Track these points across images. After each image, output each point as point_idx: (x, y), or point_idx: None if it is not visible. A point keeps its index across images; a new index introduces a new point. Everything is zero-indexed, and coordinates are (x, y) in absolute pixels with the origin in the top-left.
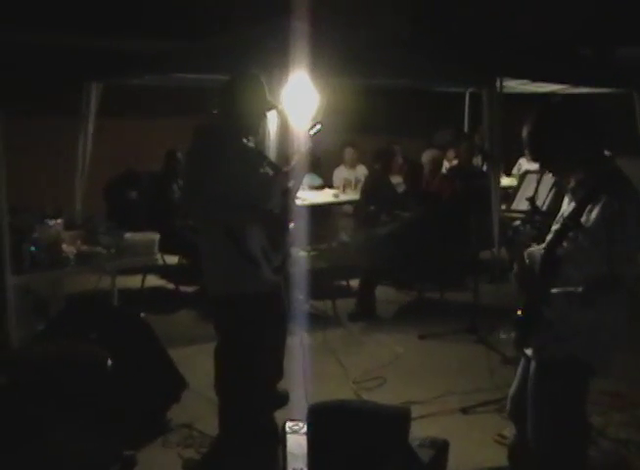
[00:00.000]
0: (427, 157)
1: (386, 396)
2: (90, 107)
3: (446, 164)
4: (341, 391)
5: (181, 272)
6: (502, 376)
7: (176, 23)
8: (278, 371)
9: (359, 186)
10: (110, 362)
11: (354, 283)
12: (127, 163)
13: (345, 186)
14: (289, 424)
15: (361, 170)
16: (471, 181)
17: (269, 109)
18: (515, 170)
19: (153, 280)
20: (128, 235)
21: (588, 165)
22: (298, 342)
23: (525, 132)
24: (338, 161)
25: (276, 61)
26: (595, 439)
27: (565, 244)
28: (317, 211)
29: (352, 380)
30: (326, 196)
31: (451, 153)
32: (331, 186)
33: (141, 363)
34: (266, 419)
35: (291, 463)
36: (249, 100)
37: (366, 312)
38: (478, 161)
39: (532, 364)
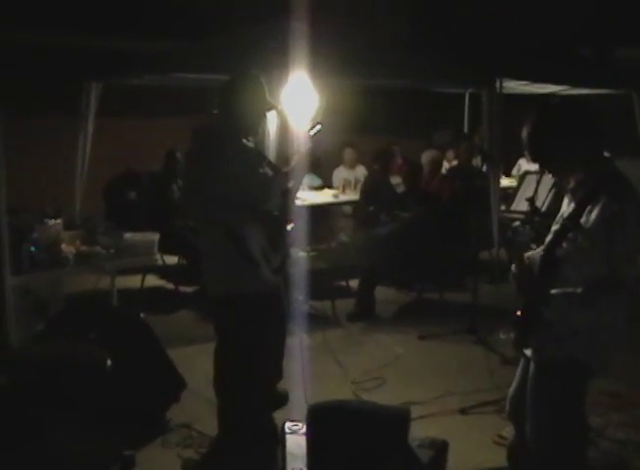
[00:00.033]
0: (426, 157)
1: (385, 396)
2: (90, 107)
3: (446, 165)
4: (340, 391)
5: (181, 272)
6: (502, 376)
7: (176, 23)
8: (277, 371)
9: (359, 186)
10: (109, 362)
11: (354, 283)
12: (127, 163)
13: (345, 186)
14: (288, 424)
15: (361, 171)
16: (470, 182)
17: (269, 109)
18: (514, 171)
19: (152, 280)
20: (128, 235)
21: (588, 166)
22: (298, 342)
23: (524, 133)
24: (337, 161)
25: (276, 61)
26: (594, 439)
27: (564, 244)
28: (317, 212)
29: (352, 380)
30: (325, 196)
31: (451, 153)
32: (330, 186)
33: (140, 363)
34: (266, 419)
35: (290, 463)
36: (248, 100)
37: (365, 313)
38: (477, 161)
39: (532, 365)
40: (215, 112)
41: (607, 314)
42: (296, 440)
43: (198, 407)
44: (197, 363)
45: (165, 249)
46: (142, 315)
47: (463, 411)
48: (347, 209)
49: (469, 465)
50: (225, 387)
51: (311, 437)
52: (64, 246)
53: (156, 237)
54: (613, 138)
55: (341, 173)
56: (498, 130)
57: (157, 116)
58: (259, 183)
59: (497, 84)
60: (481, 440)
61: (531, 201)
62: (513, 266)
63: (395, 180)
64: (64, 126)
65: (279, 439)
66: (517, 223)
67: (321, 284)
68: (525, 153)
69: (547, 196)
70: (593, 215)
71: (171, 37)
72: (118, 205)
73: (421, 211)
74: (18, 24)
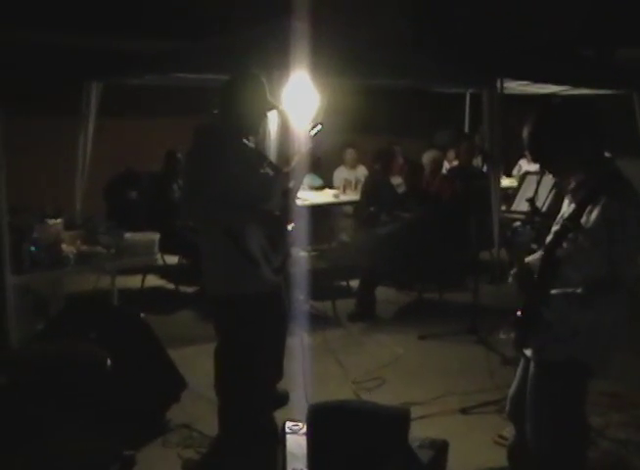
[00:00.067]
0: (427, 157)
1: (385, 396)
2: (90, 106)
3: (446, 165)
4: (340, 391)
5: (181, 272)
6: (502, 377)
7: (176, 23)
8: (278, 371)
9: (359, 187)
10: (109, 362)
11: (354, 283)
12: (127, 162)
13: (346, 187)
14: (289, 424)
15: (361, 171)
16: (471, 182)
17: (270, 109)
18: (515, 171)
19: (153, 280)
20: (128, 235)
21: (588, 167)
22: (298, 342)
23: (525, 133)
24: (338, 161)
25: (276, 61)
26: (594, 439)
27: (565, 245)
28: (317, 212)
29: (352, 380)
30: (326, 196)
31: (451, 153)
32: (331, 186)
33: (141, 363)
34: (266, 419)
35: (290, 463)
36: (249, 100)
37: (366, 313)
38: (478, 161)
39: (532, 365)
40: (216, 112)
41: (607, 315)
42: (296, 439)
43: (198, 407)
44: (197, 363)
45: (166, 248)
46: (142, 315)
47: (463, 411)
48: (348, 209)
49: (469, 465)
50: (226, 387)
51: (312, 437)
52: (64, 245)
53: (156, 237)
54: (613, 138)
55: (341, 173)
56: (499, 130)
57: (157, 115)
58: (260, 183)
59: (498, 84)
60: (482, 440)
61: (532, 201)
62: (514, 267)
63: (396, 180)
64: (64, 126)
65: (279, 439)
66: (517, 223)
67: (322, 284)
68: (526, 153)
69: (548, 196)
70: (593, 216)
71: (171, 37)
72: (119, 204)
73: (421, 212)
74: (18, 24)
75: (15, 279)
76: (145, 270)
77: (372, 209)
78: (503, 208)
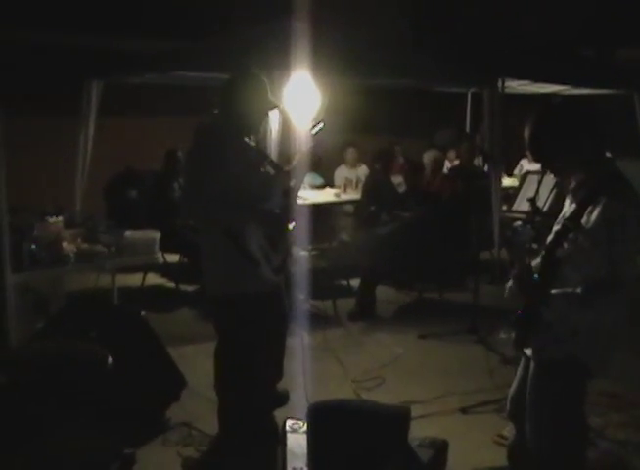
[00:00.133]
0: (428, 157)
1: (385, 395)
2: (91, 105)
3: (447, 165)
4: (341, 390)
5: (182, 271)
6: (502, 376)
7: (176, 23)
8: (278, 371)
9: (360, 186)
10: (109, 361)
11: (355, 283)
12: (127, 162)
13: (347, 186)
14: (289, 423)
15: (362, 170)
16: (472, 182)
17: (270, 108)
18: (516, 171)
19: (153, 278)
20: (128, 233)
21: (589, 167)
22: (298, 341)
23: (526, 133)
24: (339, 160)
25: (277, 61)
26: (594, 439)
27: (565, 245)
28: (318, 211)
29: (352, 379)
30: (327, 195)
31: (452, 153)
32: (332, 186)
33: (141, 362)
34: (266, 418)
35: (290, 462)
36: (250, 99)
37: (366, 312)
38: (479, 161)
39: (532, 365)
40: (216, 111)
41: (606, 315)
42: (296, 438)
43: (198, 406)
44: (197, 362)
45: (166, 247)
46: (142, 314)
47: (463, 411)
48: (349, 208)
49: (469, 465)
50: (226, 386)
51: (312, 436)
52: (65, 244)
53: (157, 235)
54: (614, 139)
55: (342, 173)
56: (500, 130)
57: (157, 115)
58: (260, 183)
59: (499, 84)
60: (482, 439)
61: (533, 201)
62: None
63: (397, 180)
64: (64, 126)
65: (279, 438)
66: (517, 223)
67: (322, 283)
68: (527, 153)
69: (549, 196)
70: (594, 216)
71: (171, 37)
72: (119, 204)
73: (422, 212)
74: (18, 24)
75: (15, 277)
76: (145, 269)
77: (372, 208)
78: (504, 207)
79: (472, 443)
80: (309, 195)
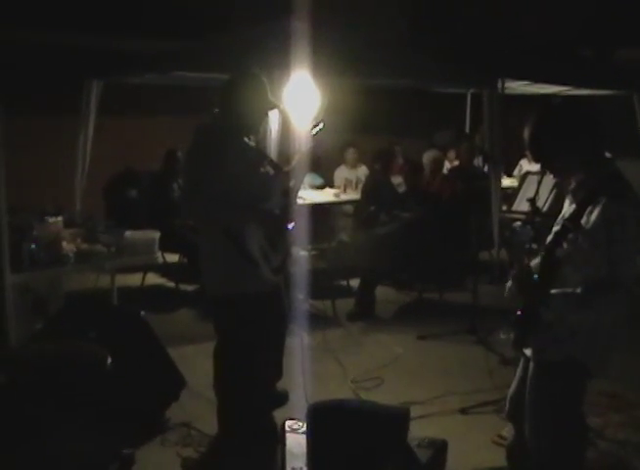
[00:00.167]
0: (427, 157)
1: (385, 396)
2: (90, 105)
3: (447, 165)
4: (340, 390)
5: (181, 271)
6: (501, 376)
7: (176, 23)
8: (277, 371)
9: (360, 186)
10: (109, 361)
11: (354, 283)
12: (127, 161)
13: (346, 186)
14: (288, 423)
15: (362, 170)
16: (471, 182)
17: (270, 108)
18: (516, 171)
19: (153, 278)
20: (128, 233)
21: (588, 167)
22: (298, 342)
23: (526, 133)
24: (339, 160)
25: (277, 61)
26: (593, 440)
27: (565, 245)
28: (318, 211)
29: (352, 380)
30: (327, 196)
31: (452, 153)
32: (332, 186)
33: (140, 362)
34: (265, 419)
35: (290, 462)
36: (249, 99)
37: (366, 312)
38: (478, 161)
39: (531, 365)
40: (216, 111)
41: (606, 315)
42: (296, 438)
43: (197, 406)
44: (197, 362)
45: (166, 247)
46: (142, 314)
47: (462, 411)
48: (348, 208)
49: (468, 465)
50: (225, 386)
51: (311, 436)
52: (64, 244)
53: (156, 235)
54: (614, 139)
55: (342, 173)
56: (499, 130)
57: (157, 114)
58: (260, 183)
59: (499, 84)
60: (481, 440)
61: (533, 201)
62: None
63: (396, 180)
64: (64, 126)
65: (279, 438)
66: (517, 223)
67: (321, 283)
68: (527, 153)
69: (548, 196)
70: (593, 216)
71: (171, 37)
72: (119, 203)
73: (421, 212)
74: (18, 24)
75: (14, 278)
76: (145, 269)
77: (372, 208)
78: (504, 208)
79: (471, 443)
80: (309, 195)
